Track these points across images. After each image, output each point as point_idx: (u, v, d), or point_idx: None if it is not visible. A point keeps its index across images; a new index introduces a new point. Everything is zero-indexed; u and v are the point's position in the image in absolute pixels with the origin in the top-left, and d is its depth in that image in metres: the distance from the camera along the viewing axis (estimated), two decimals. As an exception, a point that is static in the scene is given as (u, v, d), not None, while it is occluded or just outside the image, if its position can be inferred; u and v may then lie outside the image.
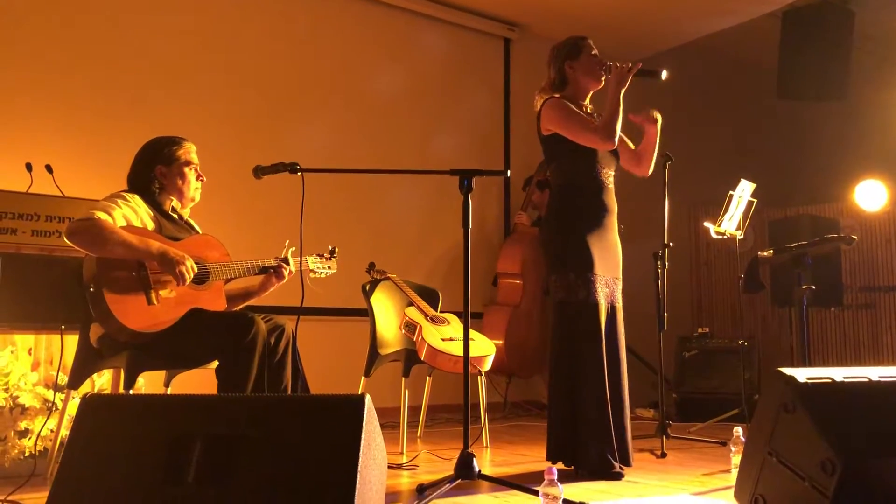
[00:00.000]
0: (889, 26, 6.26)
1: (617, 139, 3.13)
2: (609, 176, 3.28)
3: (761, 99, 7.01)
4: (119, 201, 2.80)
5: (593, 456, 3.03)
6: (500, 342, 5.44)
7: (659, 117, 3.29)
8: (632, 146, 3.42)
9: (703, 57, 7.01)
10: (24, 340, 3.23)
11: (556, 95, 3.28)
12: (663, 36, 6.48)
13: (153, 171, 2.95)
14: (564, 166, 3.28)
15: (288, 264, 3.10)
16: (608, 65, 3.18)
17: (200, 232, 3.12)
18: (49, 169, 3.70)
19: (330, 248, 3.31)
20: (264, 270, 3.06)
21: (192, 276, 2.74)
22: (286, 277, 3.11)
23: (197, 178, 3.04)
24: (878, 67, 6.45)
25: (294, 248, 3.07)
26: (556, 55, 3.33)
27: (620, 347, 3.20)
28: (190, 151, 3.02)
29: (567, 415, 3.10)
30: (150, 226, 2.85)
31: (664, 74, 3.12)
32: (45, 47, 4.40)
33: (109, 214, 2.71)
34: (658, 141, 3.33)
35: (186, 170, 2.99)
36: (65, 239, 2.69)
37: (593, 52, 3.29)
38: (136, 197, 2.88)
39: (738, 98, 7.44)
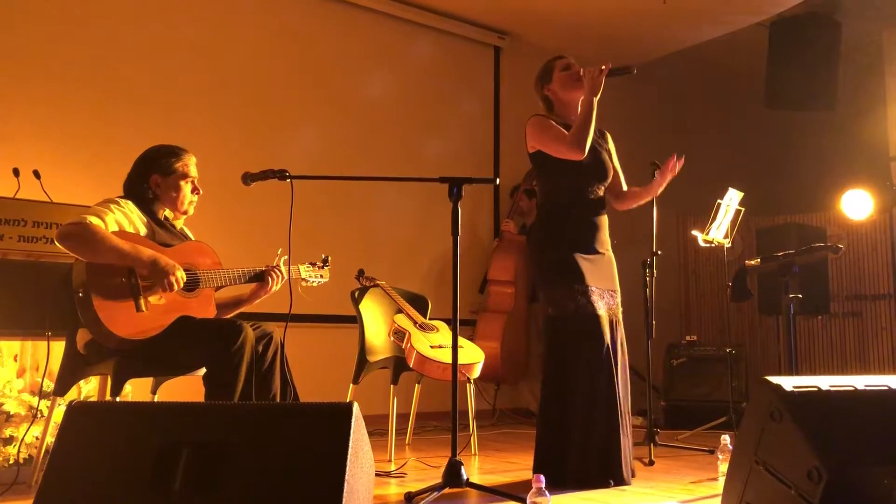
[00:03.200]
0: (875, 37, 6.32)
1: (587, 148, 3.08)
2: (598, 190, 3.26)
3: (749, 108, 7.05)
4: (112, 206, 2.79)
5: (578, 471, 3.01)
6: (497, 349, 5.46)
7: (676, 168, 3.30)
8: (623, 184, 3.41)
9: (692, 66, 7.05)
10: (10, 347, 3.21)
11: (541, 114, 3.30)
12: (652, 45, 6.51)
13: (148, 179, 2.93)
14: (550, 183, 3.29)
15: (279, 273, 3.08)
16: (582, 72, 3.18)
17: (194, 240, 3.12)
18: (37, 174, 3.68)
19: (323, 256, 3.30)
20: (255, 278, 3.04)
21: (181, 286, 2.73)
22: (278, 285, 3.08)
23: (192, 192, 3.01)
24: (865, 77, 6.50)
25: (286, 257, 3.06)
26: (536, 84, 3.37)
27: (622, 361, 3.18)
28: (188, 164, 2.99)
29: (555, 428, 3.08)
30: (143, 231, 2.84)
31: (634, 70, 3.10)
32: (33, 53, 4.38)
33: (101, 219, 2.69)
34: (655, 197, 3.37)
35: (182, 183, 2.96)
36: (55, 243, 2.67)
37: (564, 68, 3.28)
38: (130, 203, 2.86)
39: (726, 107, 7.49)
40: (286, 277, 3.07)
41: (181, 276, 2.72)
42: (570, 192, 3.23)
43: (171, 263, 2.71)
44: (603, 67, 3.07)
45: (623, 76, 3.11)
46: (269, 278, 3.04)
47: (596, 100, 3.09)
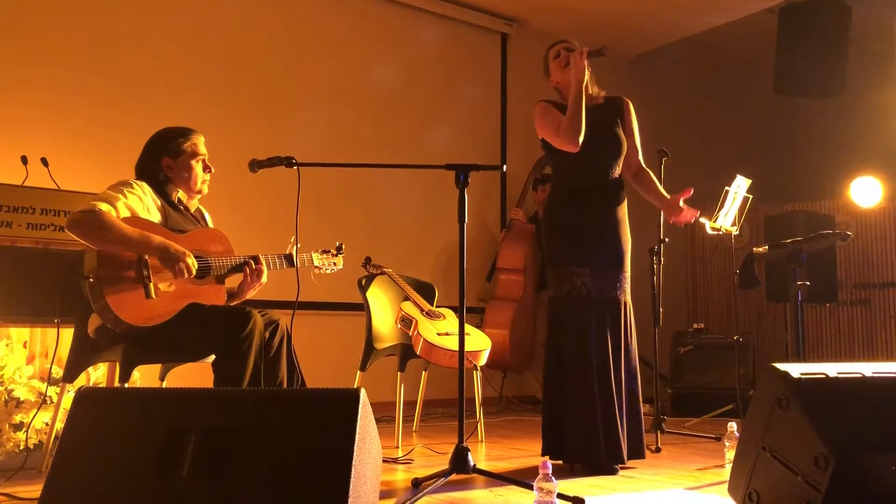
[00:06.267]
0: (885, 22, 6.26)
1: (581, 137, 3.09)
2: (610, 170, 3.25)
3: (758, 95, 7.01)
4: (126, 190, 2.77)
5: (576, 451, 3.05)
6: (506, 336, 5.46)
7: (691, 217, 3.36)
8: (640, 159, 3.40)
9: (700, 53, 7.00)
10: (20, 334, 3.23)
11: (546, 100, 3.33)
12: (660, 32, 6.47)
13: (159, 162, 2.93)
14: (559, 165, 3.31)
15: (257, 262, 2.96)
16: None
17: (210, 222, 3.11)
18: (44, 162, 3.69)
19: (337, 244, 3.29)
20: (235, 269, 2.94)
21: (192, 272, 2.72)
22: (258, 278, 2.96)
23: (204, 170, 3.01)
24: (875, 63, 6.45)
25: (298, 245, 3.04)
26: (544, 73, 3.42)
27: (625, 342, 3.18)
28: (197, 143, 2.99)
29: (555, 409, 3.13)
30: (156, 215, 2.84)
31: (606, 51, 3.13)
32: (41, 40, 4.38)
33: (113, 206, 2.68)
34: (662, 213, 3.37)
35: (193, 162, 2.96)
36: (66, 230, 2.67)
37: (555, 56, 3.32)
38: (145, 184, 2.86)
39: (735, 94, 7.45)
40: (266, 271, 2.97)
41: (192, 262, 2.71)
42: (580, 173, 3.23)
43: (182, 250, 2.70)
44: (582, 51, 3.14)
45: (600, 56, 3.16)
46: (246, 270, 2.95)
47: (583, 84, 3.13)
